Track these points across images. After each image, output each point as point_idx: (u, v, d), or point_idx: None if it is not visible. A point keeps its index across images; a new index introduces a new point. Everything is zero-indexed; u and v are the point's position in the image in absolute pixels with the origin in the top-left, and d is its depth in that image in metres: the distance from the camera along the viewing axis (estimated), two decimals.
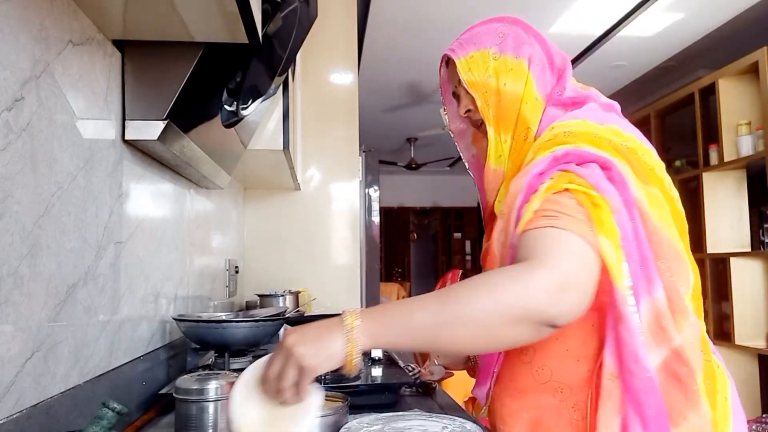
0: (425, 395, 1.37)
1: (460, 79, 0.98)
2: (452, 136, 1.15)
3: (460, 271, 3.58)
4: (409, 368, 1.47)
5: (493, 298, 0.70)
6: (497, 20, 1.01)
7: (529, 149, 0.90)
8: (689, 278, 0.86)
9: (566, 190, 0.78)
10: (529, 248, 0.75)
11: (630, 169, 0.82)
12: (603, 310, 0.79)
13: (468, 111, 0.99)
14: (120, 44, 1.10)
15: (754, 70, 3.80)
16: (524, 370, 0.88)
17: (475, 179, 1.10)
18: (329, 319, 0.74)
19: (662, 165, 0.90)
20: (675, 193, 0.90)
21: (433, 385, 1.40)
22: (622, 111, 0.98)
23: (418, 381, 1.37)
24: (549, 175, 0.81)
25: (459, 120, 1.09)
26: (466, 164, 1.13)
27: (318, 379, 1.24)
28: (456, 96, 1.04)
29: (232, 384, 0.87)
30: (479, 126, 0.99)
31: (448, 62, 1.04)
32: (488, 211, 1.00)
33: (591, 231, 0.75)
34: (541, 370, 0.86)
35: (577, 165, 0.80)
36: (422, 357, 2.72)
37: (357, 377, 1.30)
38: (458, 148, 1.14)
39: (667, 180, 0.90)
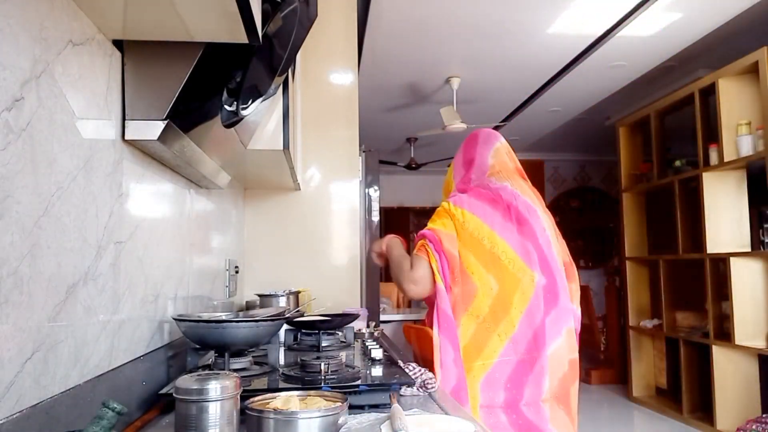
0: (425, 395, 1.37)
1: None
2: None
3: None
4: (409, 368, 1.47)
5: (396, 269, 1.73)
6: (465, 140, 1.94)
7: None
8: (473, 293, 1.60)
9: (423, 245, 1.64)
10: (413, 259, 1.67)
11: (452, 227, 1.64)
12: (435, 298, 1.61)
13: None
14: (120, 44, 1.10)
15: (754, 70, 3.80)
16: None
17: None
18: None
19: (476, 218, 1.63)
20: (480, 233, 1.62)
21: (433, 385, 1.40)
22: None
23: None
24: (419, 237, 1.68)
25: None
26: None
27: (318, 380, 1.24)
28: None
29: (232, 384, 0.88)
30: None
31: None
32: None
33: (426, 259, 1.62)
34: None
35: (427, 239, 1.64)
36: (424, 362, 2.72)
37: (357, 377, 1.30)
38: None
39: (474, 225, 1.63)
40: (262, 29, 1.06)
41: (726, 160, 4.00)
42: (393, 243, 1.82)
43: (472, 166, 1.78)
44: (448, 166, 1.95)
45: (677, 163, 4.71)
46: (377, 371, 1.43)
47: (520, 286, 1.56)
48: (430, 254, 1.59)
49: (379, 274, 3.22)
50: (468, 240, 1.60)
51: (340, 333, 1.91)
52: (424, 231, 1.65)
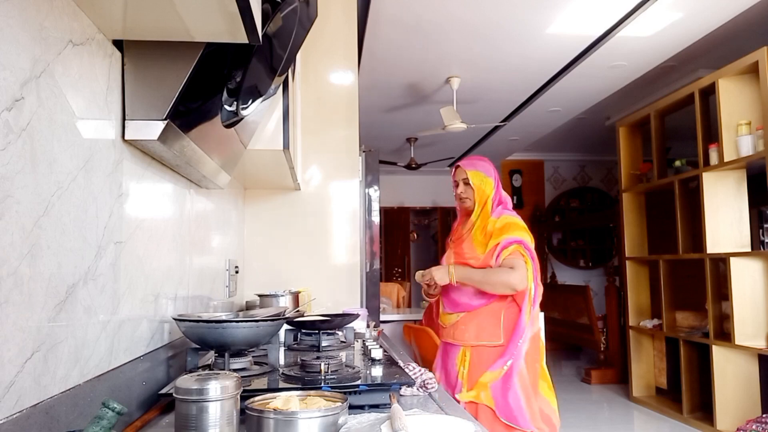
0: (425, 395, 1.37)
1: (466, 178, 2.22)
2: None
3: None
4: (409, 368, 1.47)
5: (498, 278, 2.06)
6: (485, 160, 2.27)
7: (488, 218, 2.17)
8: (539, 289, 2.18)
9: (520, 252, 2.09)
10: (508, 263, 2.07)
11: (530, 238, 2.14)
12: (520, 297, 2.12)
13: (463, 196, 2.24)
14: (120, 44, 1.10)
15: (754, 70, 3.80)
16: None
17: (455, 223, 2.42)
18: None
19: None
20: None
21: (433, 385, 1.40)
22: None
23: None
24: (512, 242, 2.09)
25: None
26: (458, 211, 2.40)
27: (318, 380, 1.25)
28: (456, 184, 2.26)
29: (233, 383, 0.88)
30: (463, 202, 2.25)
31: (457, 167, 2.26)
32: (459, 237, 2.29)
33: (524, 264, 2.08)
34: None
35: (523, 246, 2.10)
36: (423, 361, 2.73)
37: (357, 377, 1.30)
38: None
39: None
40: (262, 29, 1.06)
41: (726, 160, 4.00)
42: (462, 269, 2.11)
43: (498, 188, 2.23)
44: (449, 166, 2.06)
45: (677, 163, 4.71)
46: (377, 371, 1.43)
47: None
48: (527, 260, 2.07)
49: (379, 274, 3.22)
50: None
51: (340, 333, 1.91)
52: (518, 239, 2.08)
